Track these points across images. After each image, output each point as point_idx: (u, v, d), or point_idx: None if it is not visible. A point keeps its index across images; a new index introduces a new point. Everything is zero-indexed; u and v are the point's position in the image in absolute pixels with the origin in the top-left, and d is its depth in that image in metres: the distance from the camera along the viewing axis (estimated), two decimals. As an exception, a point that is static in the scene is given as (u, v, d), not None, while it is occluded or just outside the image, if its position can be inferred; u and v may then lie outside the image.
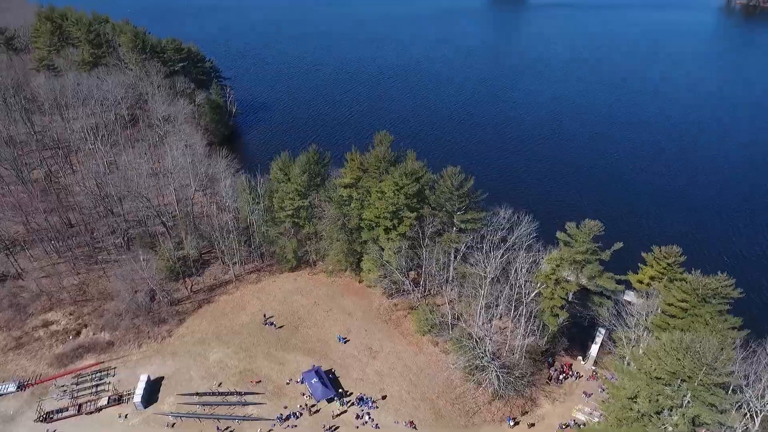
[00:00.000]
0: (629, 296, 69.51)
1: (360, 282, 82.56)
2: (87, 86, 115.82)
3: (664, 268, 60.61)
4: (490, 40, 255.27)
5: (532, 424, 62.65)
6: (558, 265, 61.94)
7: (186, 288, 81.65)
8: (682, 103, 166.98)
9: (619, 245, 65.56)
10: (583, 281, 66.21)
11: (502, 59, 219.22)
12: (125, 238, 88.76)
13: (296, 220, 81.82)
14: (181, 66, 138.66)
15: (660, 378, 42.62)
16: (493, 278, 66.32)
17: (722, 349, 44.47)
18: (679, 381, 41.92)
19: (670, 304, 54.56)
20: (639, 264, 66.28)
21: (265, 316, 74.81)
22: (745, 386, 47.72)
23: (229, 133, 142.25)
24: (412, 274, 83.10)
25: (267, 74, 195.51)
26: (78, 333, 72.91)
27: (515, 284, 65.57)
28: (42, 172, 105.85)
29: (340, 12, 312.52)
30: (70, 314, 75.76)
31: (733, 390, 47.12)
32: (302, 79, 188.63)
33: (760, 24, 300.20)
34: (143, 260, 76.10)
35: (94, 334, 72.54)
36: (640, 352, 57.67)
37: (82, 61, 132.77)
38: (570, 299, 67.27)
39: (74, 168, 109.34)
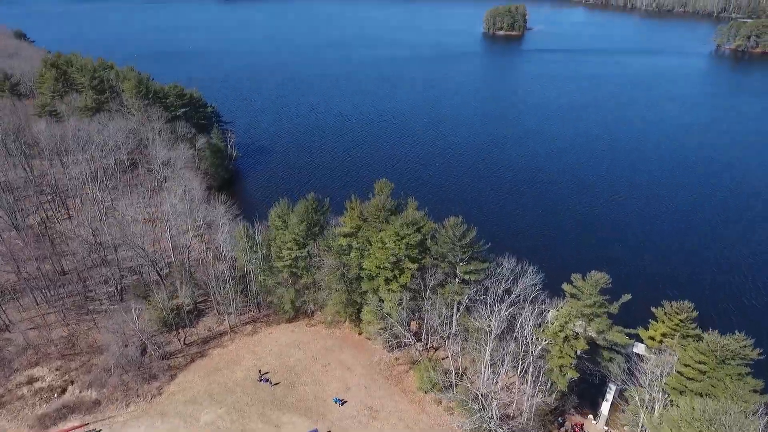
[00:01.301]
0: (639, 349, 66.84)
1: (360, 334, 79.66)
2: (87, 132, 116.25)
3: (677, 325, 58.21)
4: (487, 85, 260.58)
5: (544, 493, 58.51)
6: (567, 322, 59.49)
7: (179, 340, 78.56)
8: (682, 147, 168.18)
9: (627, 297, 63.54)
10: (592, 335, 63.73)
11: (500, 105, 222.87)
12: (118, 288, 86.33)
13: (294, 269, 79.76)
14: (182, 111, 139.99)
15: (683, 452, 39.64)
16: (498, 334, 63.77)
17: (746, 417, 41.73)
18: (703, 456, 38.98)
19: (686, 365, 51.87)
20: (649, 320, 63.82)
21: (260, 372, 71.48)
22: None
23: (229, 176, 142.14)
24: (414, 324, 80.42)
25: (268, 117, 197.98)
26: (63, 390, 69.32)
27: (522, 341, 62.91)
28: (37, 218, 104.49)
29: (339, 56, 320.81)
30: (57, 369, 72.38)
31: (760, 463, 43.90)
32: (302, 122, 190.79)
33: (748, 68, 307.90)
34: (135, 311, 73.59)
35: (80, 392, 68.95)
36: (656, 414, 54.60)
37: (84, 107, 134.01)
38: (579, 354, 64.52)
39: (70, 214, 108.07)
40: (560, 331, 60.09)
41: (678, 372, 53.06)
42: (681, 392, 50.97)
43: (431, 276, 70.13)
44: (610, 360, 64.24)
